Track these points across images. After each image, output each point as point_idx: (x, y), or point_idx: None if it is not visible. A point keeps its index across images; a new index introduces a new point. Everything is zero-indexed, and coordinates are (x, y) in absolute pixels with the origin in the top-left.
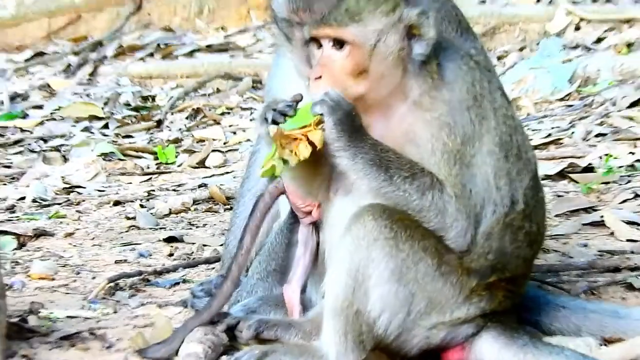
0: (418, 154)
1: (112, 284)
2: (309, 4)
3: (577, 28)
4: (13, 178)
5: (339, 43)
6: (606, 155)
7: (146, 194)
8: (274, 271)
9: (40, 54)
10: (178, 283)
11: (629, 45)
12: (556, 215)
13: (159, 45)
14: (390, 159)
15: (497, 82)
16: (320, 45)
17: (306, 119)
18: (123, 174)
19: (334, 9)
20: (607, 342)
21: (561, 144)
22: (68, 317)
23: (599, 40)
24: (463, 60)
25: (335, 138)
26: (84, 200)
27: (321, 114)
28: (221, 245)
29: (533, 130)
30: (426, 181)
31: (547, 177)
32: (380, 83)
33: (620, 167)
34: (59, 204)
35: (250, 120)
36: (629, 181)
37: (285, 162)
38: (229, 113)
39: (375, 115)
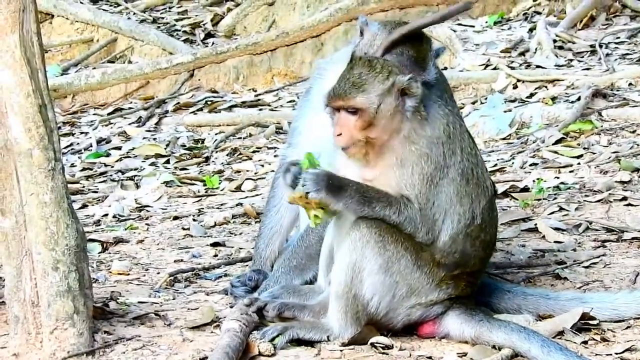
0: (402, 174)
1: (172, 278)
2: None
3: (515, 87)
4: (99, 200)
5: (351, 109)
6: (538, 179)
7: (197, 211)
8: (295, 267)
9: (119, 109)
10: (221, 277)
11: (553, 99)
12: (501, 224)
13: (206, 102)
14: (370, 195)
15: (465, 127)
16: (338, 111)
17: None
18: (180, 196)
19: (343, 86)
20: (541, 318)
21: (505, 171)
22: (139, 302)
23: (531, 95)
24: (441, 107)
25: (325, 199)
26: (151, 216)
27: (307, 192)
28: (252, 248)
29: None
30: (400, 204)
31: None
32: (383, 130)
33: (549, 187)
34: (132, 219)
35: (274, 156)
36: (555, 198)
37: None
38: (258, 151)
39: (377, 151)
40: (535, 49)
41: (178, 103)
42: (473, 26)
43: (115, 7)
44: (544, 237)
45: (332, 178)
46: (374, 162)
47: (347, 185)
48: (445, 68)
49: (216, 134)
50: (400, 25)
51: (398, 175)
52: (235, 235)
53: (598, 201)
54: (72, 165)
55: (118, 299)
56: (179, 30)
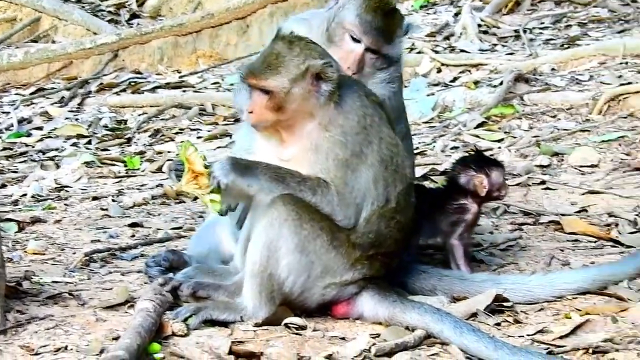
0: (317, 159)
1: (87, 258)
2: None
3: (439, 71)
4: (18, 180)
5: (263, 89)
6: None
7: (117, 192)
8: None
9: (41, 89)
10: (137, 257)
11: (476, 83)
12: None
13: (130, 83)
14: (281, 173)
15: (384, 118)
16: (252, 88)
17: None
18: (100, 177)
19: (259, 65)
20: (455, 299)
21: (426, 154)
22: (53, 282)
23: (455, 79)
24: (360, 99)
25: (236, 181)
26: (70, 196)
27: (218, 181)
28: (171, 229)
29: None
30: (314, 183)
31: (415, 178)
32: (294, 113)
33: None
34: (51, 199)
35: (197, 137)
36: None
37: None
38: (180, 133)
39: (291, 131)
40: (460, 34)
41: (101, 84)
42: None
43: None
44: None
45: (238, 161)
46: (288, 143)
47: (255, 165)
48: None
49: (139, 115)
50: None
51: (313, 160)
52: (154, 216)
53: (517, 185)
54: None
55: (32, 278)
56: (104, 11)
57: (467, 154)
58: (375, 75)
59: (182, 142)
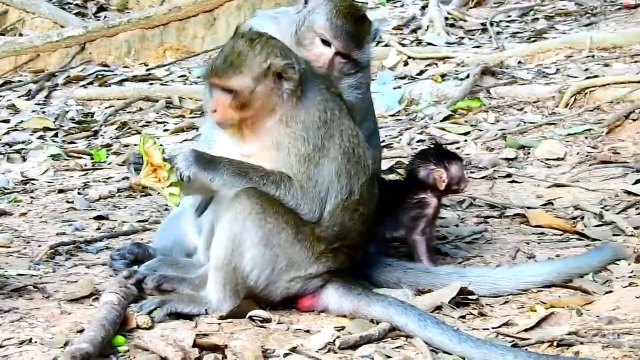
0: (278, 155)
1: (52, 251)
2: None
3: (406, 64)
4: None
5: (226, 88)
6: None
7: (83, 185)
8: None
9: (9, 82)
10: (102, 250)
11: (443, 76)
12: None
13: (97, 76)
14: (244, 167)
15: (344, 111)
16: (215, 86)
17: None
18: (67, 170)
19: (221, 64)
20: (420, 292)
21: (392, 147)
22: (18, 274)
23: (421, 72)
24: (321, 93)
25: (198, 174)
26: (36, 189)
27: (180, 173)
28: (137, 221)
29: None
30: (277, 177)
31: (380, 171)
32: (257, 111)
33: None
34: (17, 191)
35: (164, 130)
36: None
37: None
38: (147, 125)
39: (252, 128)
40: (427, 27)
41: (68, 76)
42: (367, 3)
43: None
44: None
45: (201, 154)
46: (250, 140)
47: (218, 159)
48: None
49: (106, 108)
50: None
51: (274, 156)
52: (119, 209)
53: (483, 178)
54: None
55: None
56: (71, 4)
57: (426, 148)
58: (342, 80)
59: (141, 134)
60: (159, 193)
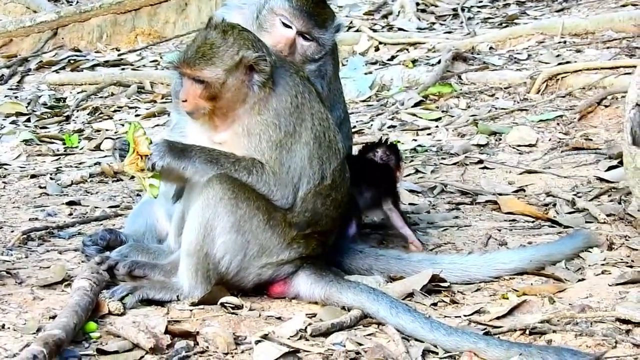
0: (250, 143)
1: (25, 236)
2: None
3: (377, 49)
4: None
5: (198, 79)
6: (396, 141)
7: (55, 170)
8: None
9: None
10: (75, 235)
11: (414, 62)
12: None
13: (69, 61)
14: (216, 155)
15: (314, 94)
16: (186, 76)
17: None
18: (39, 155)
19: (193, 54)
20: (391, 279)
21: (363, 133)
22: None
23: (392, 58)
24: (291, 78)
25: (171, 164)
26: (8, 174)
27: (153, 163)
28: (109, 207)
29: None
30: (249, 163)
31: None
32: (228, 102)
33: (406, 150)
34: None
35: (136, 115)
36: (412, 160)
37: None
38: (119, 110)
39: (223, 118)
40: (398, 12)
41: (41, 61)
42: None
43: None
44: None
45: (173, 144)
46: (221, 128)
47: (190, 148)
48: None
49: (78, 93)
50: None
51: (246, 143)
52: (91, 194)
53: (454, 164)
54: None
55: None
56: None
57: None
58: (307, 66)
59: (131, 122)
60: (135, 180)
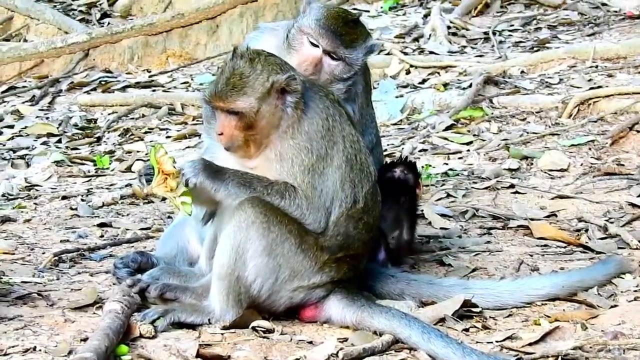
0: (282, 167)
1: (56, 258)
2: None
3: (408, 72)
4: None
5: (232, 111)
6: (427, 165)
7: (86, 191)
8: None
9: (13, 87)
10: (106, 257)
11: (445, 85)
12: None
13: (100, 82)
14: (249, 178)
15: (345, 116)
16: (219, 110)
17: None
18: (70, 176)
19: (224, 87)
20: (423, 304)
21: (394, 156)
22: (22, 282)
23: (424, 81)
24: (321, 100)
25: (204, 183)
26: (40, 196)
27: (187, 179)
28: (140, 229)
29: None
30: (281, 187)
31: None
32: (263, 129)
33: (437, 174)
34: (21, 198)
35: (166, 137)
36: (443, 184)
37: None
38: (150, 132)
39: (257, 145)
40: (429, 35)
41: (72, 82)
42: (368, 11)
43: None
44: (430, 223)
45: (209, 163)
46: (254, 154)
47: (224, 170)
48: None
49: (109, 114)
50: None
51: (278, 167)
52: (122, 216)
53: (486, 188)
54: None
55: (1, 278)
56: (75, 10)
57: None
58: (334, 85)
59: (152, 144)
60: (164, 199)
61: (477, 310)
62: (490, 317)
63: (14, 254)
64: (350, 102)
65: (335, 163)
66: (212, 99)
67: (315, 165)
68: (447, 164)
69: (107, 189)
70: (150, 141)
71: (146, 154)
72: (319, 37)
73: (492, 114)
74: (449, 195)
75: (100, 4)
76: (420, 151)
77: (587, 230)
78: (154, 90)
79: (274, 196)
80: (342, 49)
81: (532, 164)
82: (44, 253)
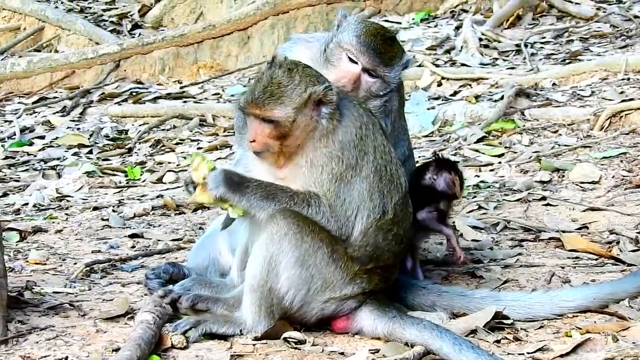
0: (311, 174)
1: (88, 268)
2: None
3: (439, 84)
4: (20, 189)
5: (267, 119)
6: None
7: (117, 202)
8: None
9: (44, 98)
10: (137, 268)
11: (477, 97)
12: None
13: (131, 93)
14: (272, 190)
15: (377, 126)
16: (254, 116)
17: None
18: (101, 187)
19: (261, 95)
20: (455, 316)
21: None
22: (54, 292)
23: (455, 93)
24: (355, 109)
25: (225, 195)
26: (71, 206)
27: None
28: (171, 240)
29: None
30: (306, 196)
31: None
32: (296, 139)
33: (468, 186)
34: (52, 208)
35: (197, 148)
36: (474, 197)
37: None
38: (181, 143)
39: (289, 154)
40: (461, 47)
41: (103, 93)
42: (400, 23)
43: None
44: (461, 235)
45: (231, 175)
46: (285, 163)
47: (247, 181)
48: None
49: (140, 125)
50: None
51: (307, 174)
52: (154, 227)
53: (517, 200)
54: None
55: (33, 288)
56: (106, 21)
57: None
58: (371, 102)
59: (192, 154)
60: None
61: (509, 322)
62: (521, 328)
63: (45, 264)
64: (384, 116)
65: (364, 173)
66: (248, 106)
67: (343, 174)
68: (478, 176)
69: (138, 199)
70: (182, 152)
71: (177, 165)
72: (359, 55)
73: (524, 126)
74: (480, 208)
75: (131, 15)
76: None
77: (618, 243)
78: (185, 102)
79: (300, 206)
80: (381, 67)
81: (563, 176)
82: (75, 263)
